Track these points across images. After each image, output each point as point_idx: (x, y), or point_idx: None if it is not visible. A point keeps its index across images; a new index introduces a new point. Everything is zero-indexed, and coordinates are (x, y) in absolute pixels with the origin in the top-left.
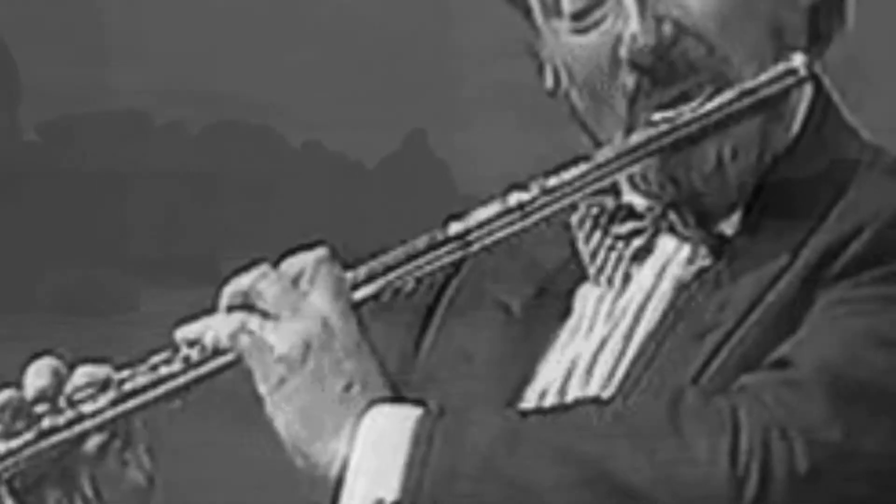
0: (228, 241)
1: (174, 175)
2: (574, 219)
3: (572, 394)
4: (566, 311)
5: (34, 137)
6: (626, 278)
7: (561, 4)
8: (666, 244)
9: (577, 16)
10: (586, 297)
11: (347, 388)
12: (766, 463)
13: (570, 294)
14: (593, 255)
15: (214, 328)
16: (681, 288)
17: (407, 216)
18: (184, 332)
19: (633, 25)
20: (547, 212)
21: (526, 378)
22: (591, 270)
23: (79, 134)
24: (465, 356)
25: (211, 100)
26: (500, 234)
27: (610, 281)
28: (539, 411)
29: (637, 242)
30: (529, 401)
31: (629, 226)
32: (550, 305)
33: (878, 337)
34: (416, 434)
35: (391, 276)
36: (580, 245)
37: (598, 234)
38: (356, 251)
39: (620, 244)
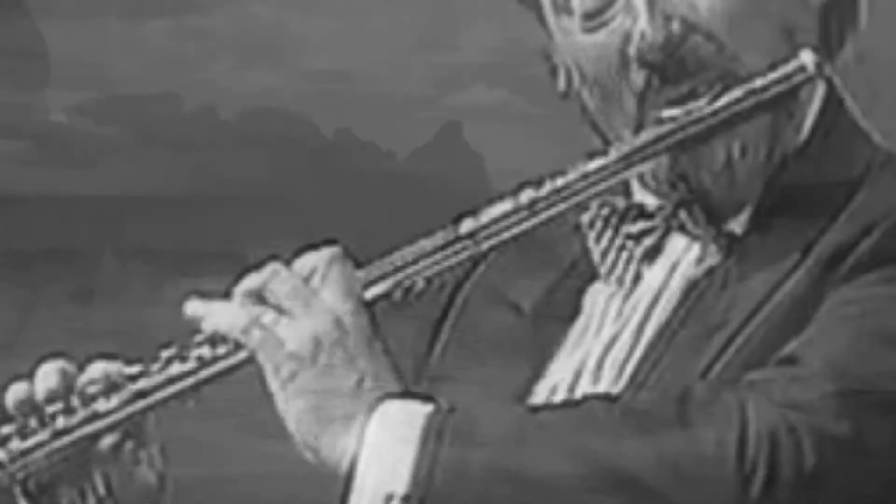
0: (257, 231)
1: (203, 162)
2: (584, 218)
3: (582, 391)
4: (576, 310)
5: (62, 118)
6: (637, 278)
7: (571, 3)
8: (676, 243)
9: (588, 14)
10: (596, 296)
11: (359, 383)
12: (774, 459)
13: (580, 293)
14: (604, 254)
15: (226, 322)
16: (690, 286)
17: (438, 208)
18: (200, 321)
19: (642, 23)
20: (556, 210)
21: (536, 376)
22: (602, 270)
23: (107, 117)
24: (477, 356)
25: (243, 87)
26: (509, 233)
27: (620, 280)
28: (548, 407)
29: (647, 242)
30: (539, 397)
31: (640, 225)
32: (560, 304)
33: (887, 336)
34: (426, 429)
35: (401, 275)
36: (590, 244)
37: (608, 234)
38: (381, 245)
39: (631, 243)
